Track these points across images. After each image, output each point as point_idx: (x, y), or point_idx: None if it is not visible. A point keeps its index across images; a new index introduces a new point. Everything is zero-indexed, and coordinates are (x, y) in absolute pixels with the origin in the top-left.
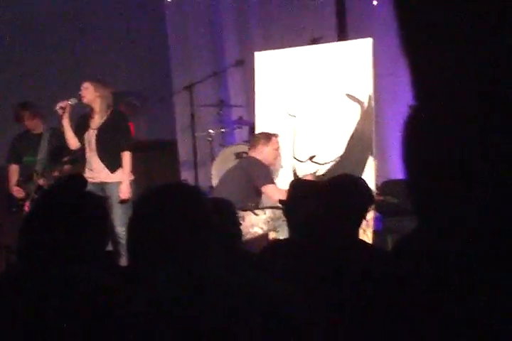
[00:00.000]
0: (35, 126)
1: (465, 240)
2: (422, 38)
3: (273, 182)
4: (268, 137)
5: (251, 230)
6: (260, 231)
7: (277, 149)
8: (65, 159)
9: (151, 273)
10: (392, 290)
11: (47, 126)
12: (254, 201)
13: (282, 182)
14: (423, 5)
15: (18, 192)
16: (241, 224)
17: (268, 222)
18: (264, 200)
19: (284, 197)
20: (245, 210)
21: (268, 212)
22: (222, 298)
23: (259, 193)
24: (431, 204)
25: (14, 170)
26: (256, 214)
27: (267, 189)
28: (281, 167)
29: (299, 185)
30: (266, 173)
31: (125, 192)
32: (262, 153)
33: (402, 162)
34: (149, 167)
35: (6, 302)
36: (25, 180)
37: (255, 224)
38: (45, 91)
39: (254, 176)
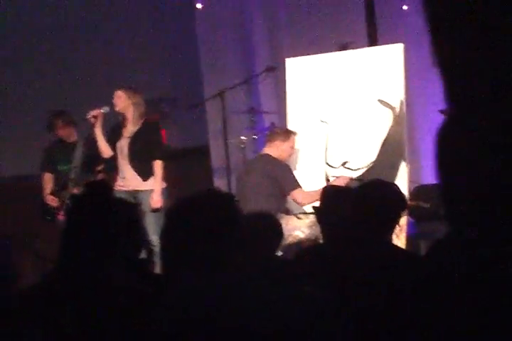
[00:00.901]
0: (69, 134)
1: (496, 246)
2: (453, 42)
3: (299, 186)
4: (287, 133)
5: (293, 233)
6: (302, 235)
7: (293, 147)
8: (99, 168)
9: (181, 282)
10: (427, 295)
11: (80, 135)
12: (282, 204)
13: (313, 188)
14: (454, 9)
15: (52, 201)
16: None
17: (311, 226)
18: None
19: (310, 201)
20: (288, 214)
21: (311, 216)
22: (245, 310)
23: (285, 195)
24: (463, 210)
25: (48, 178)
26: (299, 218)
27: (294, 194)
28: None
29: (332, 191)
30: (291, 177)
31: (157, 200)
32: (278, 148)
33: (436, 168)
34: (182, 174)
35: (44, 309)
36: (59, 188)
37: (297, 227)
38: (78, 99)
39: (280, 181)
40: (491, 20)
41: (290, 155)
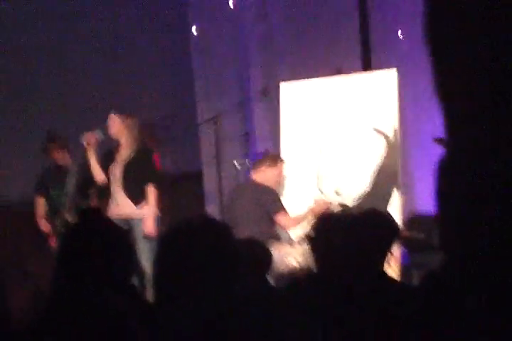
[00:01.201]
0: (63, 158)
1: (493, 277)
2: (455, 70)
3: (284, 210)
4: (274, 160)
5: (286, 261)
6: (294, 263)
7: (280, 174)
8: (92, 193)
9: (173, 308)
10: (420, 325)
11: (74, 159)
12: (272, 230)
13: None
14: (457, 35)
15: (44, 226)
16: (271, 263)
17: (304, 253)
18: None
19: (294, 225)
20: (280, 242)
21: (304, 243)
22: (243, 333)
23: (274, 222)
24: (461, 242)
25: (41, 203)
26: (292, 246)
27: (280, 218)
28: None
29: (324, 218)
30: (276, 201)
31: (150, 226)
32: (265, 174)
33: (435, 199)
34: (174, 199)
35: (39, 331)
36: (52, 214)
37: (290, 254)
38: (73, 123)
39: (265, 204)
40: (495, 48)
41: (277, 182)
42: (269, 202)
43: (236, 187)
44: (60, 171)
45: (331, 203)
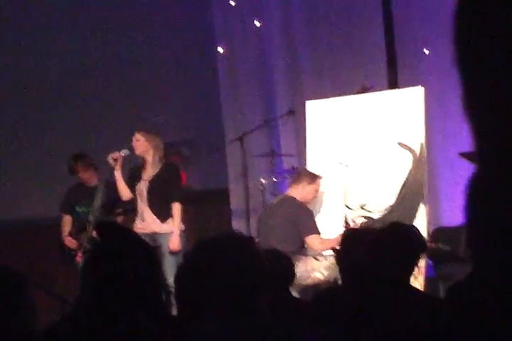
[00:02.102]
0: (89, 178)
1: None
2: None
3: (317, 233)
4: (314, 177)
5: (311, 275)
6: (321, 277)
7: (317, 190)
8: (118, 210)
9: (197, 325)
10: (447, 337)
11: (101, 178)
12: (301, 247)
13: (332, 230)
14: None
15: (70, 243)
16: (295, 275)
17: (330, 267)
18: None
19: (326, 247)
20: (306, 255)
21: (330, 258)
22: None
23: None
24: (488, 253)
25: (67, 220)
26: (318, 260)
27: (310, 239)
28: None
29: (351, 233)
30: (311, 223)
31: (175, 242)
32: (303, 190)
33: (464, 209)
34: (202, 217)
35: None
36: (78, 230)
37: (316, 269)
38: (100, 142)
39: (299, 225)
40: None
41: (313, 198)
42: (303, 222)
43: (271, 203)
44: (87, 189)
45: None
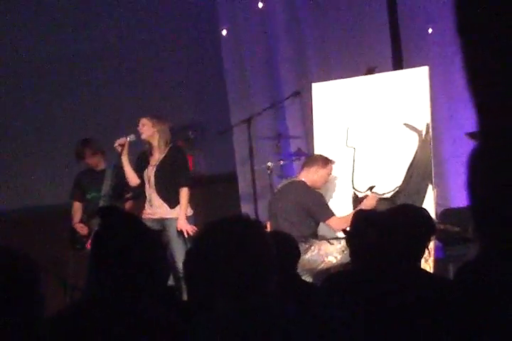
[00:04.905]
0: (97, 163)
1: None
2: (487, 64)
3: (333, 214)
4: (327, 161)
5: (325, 259)
6: (334, 261)
7: (329, 175)
8: (128, 195)
9: (208, 307)
10: (457, 318)
11: (109, 162)
12: (312, 230)
13: (341, 212)
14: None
15: (81, 229)
16: (299, 258)
17: (343, 251)
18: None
19: (346, 225)
20: (320, 239)
21: (343, 241)
22: (278, 332)
23: (317, 222)
24: (495, 232)
25: (78, 207)
26: (331, 244)
27: (331, 222)
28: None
29: (362, 215)
30: (325, 207)
31: (182, 226)
32: (315, 174)
33: (467, 190)
34: (209, 200)
35: (72, 337)
36: (89, 216)
37: (330, 253)
38: (106, 127)
39: (313, 211)
40: None
41: (325, 183)
42: (317, 208)
43: (281, 187)
44: (96, 175)
45: (379, 198)
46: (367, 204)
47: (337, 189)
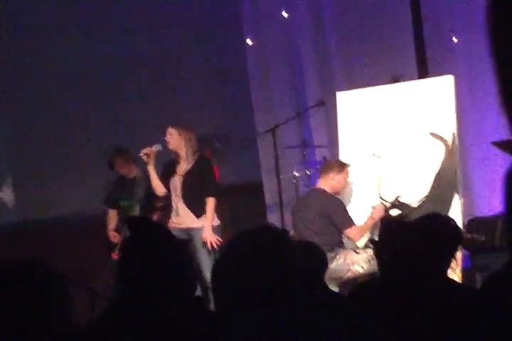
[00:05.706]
0: (129, 171)
1: None
2: None
3: (353, 223)
4: (342, 165)
5: (352, 268)
6: (361, 270)
7: (347, 179)
8: (160, 204)
9: (235, 318)
10: (485, 328)
11: (141, 171)
12: (337, 239)
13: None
14: None
15: (114, 237)
16: (327, 267)
17: (369, 260)
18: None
19: (363, 235)
20: (345, 248)
21: (369, 251)
22: None
23: (338, 232)
24: None
25: (112, 215)
26: (357, 253)
27: (349, 232)
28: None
29: (389, 225)
30: (345, 215)
31: (207, 236)
32: (333, 180)
33: (503, 200)
34: (235, 210)
35: None
36: (122, 225)
37: (356, 262)
38: (136, 136)
39: (333, 218)
40: None
41: (344, 188)
42: (338, 216)
43: (302, 196)
44: (128, 183)
45: (387, 207)
46: (375, 215)
47: (362, 198)
